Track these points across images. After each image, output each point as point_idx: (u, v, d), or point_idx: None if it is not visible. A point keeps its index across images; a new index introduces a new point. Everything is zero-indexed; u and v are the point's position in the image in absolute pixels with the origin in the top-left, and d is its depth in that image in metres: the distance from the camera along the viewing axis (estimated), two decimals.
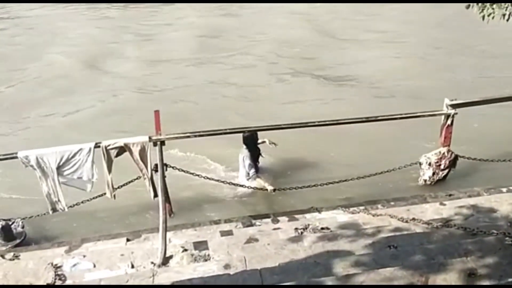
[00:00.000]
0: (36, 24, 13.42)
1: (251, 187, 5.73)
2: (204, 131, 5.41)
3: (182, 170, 5.42)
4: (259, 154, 6.03)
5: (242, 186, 5.74)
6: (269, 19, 12.98)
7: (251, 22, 12.84)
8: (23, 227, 5.15)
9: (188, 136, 5.32)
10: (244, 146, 5.87)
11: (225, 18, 13.26)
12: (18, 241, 4.99)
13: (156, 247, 4.42)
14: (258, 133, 5.89)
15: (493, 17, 3.91)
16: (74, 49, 11.23)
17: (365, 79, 9.15)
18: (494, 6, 3.87)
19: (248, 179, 5.83)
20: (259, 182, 5.77)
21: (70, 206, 5.14)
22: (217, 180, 5.63)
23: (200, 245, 4.44)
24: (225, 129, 5.48)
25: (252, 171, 5.80)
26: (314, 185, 5.56)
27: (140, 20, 13.37)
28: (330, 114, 7.57)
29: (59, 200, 5.01)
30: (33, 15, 14.40)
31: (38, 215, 5.25)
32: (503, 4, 3.84)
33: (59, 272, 4.13)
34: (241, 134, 5.74)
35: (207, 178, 5.57)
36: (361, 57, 10.18)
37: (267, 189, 5.65)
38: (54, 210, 5.06)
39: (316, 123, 5.58)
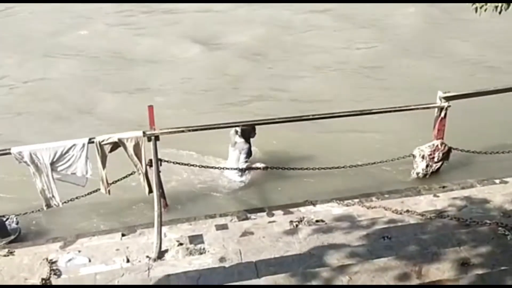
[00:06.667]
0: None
1: (244, 169, 5.89)
2: (198, 126, 5.41)
3: (177, 163, 5.44)
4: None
5: (236, 169, 5.88)
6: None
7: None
8: (17, 223, 5.13)
9: (183, 131, 5.32)
10: (242, 139, 5.92)
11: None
12: (12, 237, 4.97)
13: (152, 241, 4.42)
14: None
15: (485, 10, 3.94)
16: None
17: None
18: None
19: (243, 164, 5.94)
20: (251, 164, 5.95)
21: (65, 202, 5.12)
22: (212, 167, 5.78)
23: (196, 238, 4.44)
24: (219, 124, 5.49)
25: (246, 158, 5.95)
26: (306, 168, 5.68)
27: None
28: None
29: (53, 196, 5.00)
30: None
31: (32, 211, 5.24)
32: None
33: (54, 267, 4.11)
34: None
35: (202, 166, 5.68)
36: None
37: (260, 168, 5.86)
38: (49, 206, 5.05)
39: (311, 117, 5.61)
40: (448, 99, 5.58)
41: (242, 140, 5.94)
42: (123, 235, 4.79)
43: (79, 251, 4.37)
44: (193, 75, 9.25)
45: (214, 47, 10.52)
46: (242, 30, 11.15)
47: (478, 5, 3.96)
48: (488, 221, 4.16)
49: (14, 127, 7.48)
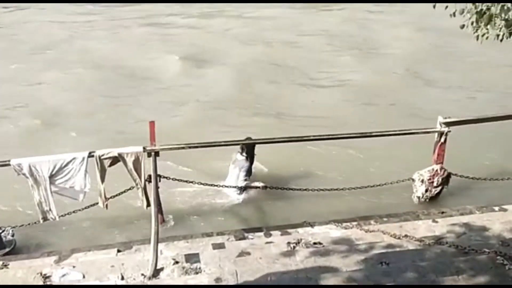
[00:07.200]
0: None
1: (243, 187, 5.90)
2: (198, 143, 5.42)
3: (176, 179, 5.43)
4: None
5: (234, 187, 5.89)
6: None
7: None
8: (13, 236, 5.09)
9: (183, 147, 5.32)
10: (243, 156, 5.93)
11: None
12: (7, 249, 4.94)
13: (147, 258, 4.37)
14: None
15: (487, 38, 3.97)
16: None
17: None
18: (488, 26, 3.93)
19: (243, 182, 5.96)
20: (251, 182, 5.96)
21: (61, 216, 5.09)
22: (211, 185, 5.71)
23: (192, 257, 4.41)
24: (219, 142, 5.49)
25: (246, 176, 5.95)
26: (306, 189, 5.67)
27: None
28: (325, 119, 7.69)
29: (50, 209, 4.97)
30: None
31: (28, 224, 5.20)
32: (496, 24, 3.90)
33: (47, 282, 4.07)
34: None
35: (201, 183, 5.64)
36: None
37: (259, 187, 5.86)
38: (45, 219, 5.01)
39: (311, 138, 5.63)
40: (448, 124, 5.60)
41: (243, 157, 5.97)
42: (118, 251, 4.75)
43: (74, 267, 4.32)
44: (192, 92, 9.34)
45: (216, 64, 10.65)
46: (242, 48, 11.36)
47: (479, 33, 4.00)
48: (487, 250, 4.13)
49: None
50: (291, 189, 5.70)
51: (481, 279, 3.62)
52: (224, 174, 6.21)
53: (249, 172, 6.00)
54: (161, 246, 4.64)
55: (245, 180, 5.96)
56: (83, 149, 5.07)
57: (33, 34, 12.98)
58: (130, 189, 5.25)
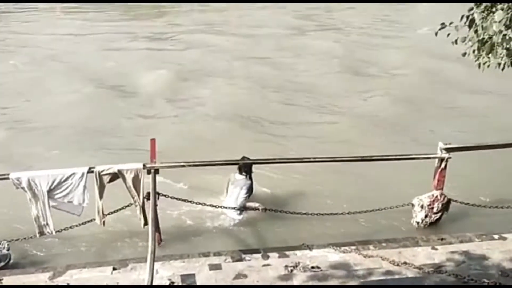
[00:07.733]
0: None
1: (242, 208, 5.85)
2: (198, 161, 5.41)
3: (175, 198, 5.40)
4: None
5: (234, 208, 5.83)
6: None
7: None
8: (8, 250, 5.04)
9: (183, 165, 5.32)
10: (242, 176, 5.92)
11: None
12: (2, 263, 4.88)
13: (143, 278, 4.32)
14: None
15: (488, 66, 4.00)
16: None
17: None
18: (490, 55, 3.96)
19: (243, 201, 5.93)
20: (249, 205, 5.92)
21: (58, 231, 5.06)
22: (209, 205, 5.65)
23: (188, 278, 4.37)
24: (219, 161, 5.49)
25: (247, 194, 5.93)
26: (305, 213, 5.63)
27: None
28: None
29: (47, 224, 4.95)
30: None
31: (24, 238, 5.17)
32: (498, 53, 3.93)
33: None
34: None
35: (199, 203, 5.60)
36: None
37: (258, 209, 5.82)
38: (42, 233, 4.98)
39: (311, 159, 5.62)
40: (448, 150, 5.60)
41: (242, 177, 5.95)
42: (114, 268, 4.69)
43: (68, 284, 4.28)
44: (195, 111, 9.39)
45: (209, 82, 10.77)
46: (237, 66, 11.53)
47: (481, 61, 4.03)
48: (486, 280, 4.09)
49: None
50: (290, 212, 5.66)
51: None
52: (223, 191, 6.18)
53: (250, 190, 5.97)
54: (157, 265, 4.59)
55: (246, 197, 5.92)
56: (70, 165, 5.08)
57: (22, 47, 13.18)
58: (128, 205, 5.23)
